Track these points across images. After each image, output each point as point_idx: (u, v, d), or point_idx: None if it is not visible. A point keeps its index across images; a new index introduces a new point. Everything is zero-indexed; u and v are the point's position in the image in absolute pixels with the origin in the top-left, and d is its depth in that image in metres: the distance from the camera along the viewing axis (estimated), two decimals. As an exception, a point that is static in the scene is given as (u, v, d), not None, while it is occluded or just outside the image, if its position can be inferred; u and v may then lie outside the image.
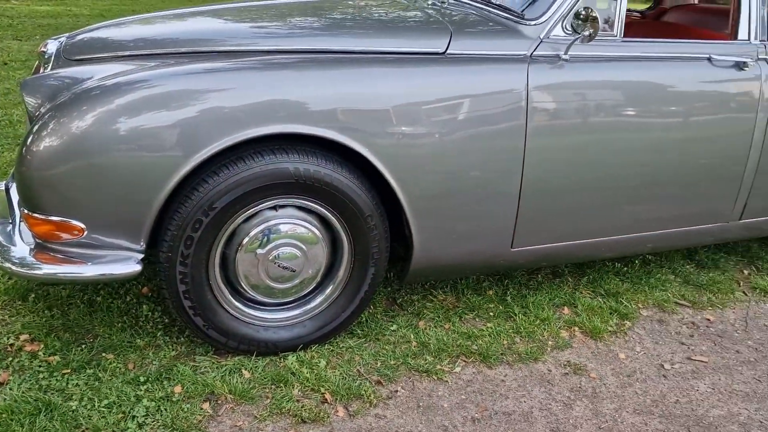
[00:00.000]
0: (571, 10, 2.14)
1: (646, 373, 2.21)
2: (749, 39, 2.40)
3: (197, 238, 1.86)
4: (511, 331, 2.37)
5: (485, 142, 2.06)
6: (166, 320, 2.27)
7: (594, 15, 2.02)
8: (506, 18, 2.22)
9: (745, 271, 3.01)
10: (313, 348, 2.16)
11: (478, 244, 2.23)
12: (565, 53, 2.11)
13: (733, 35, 2.42)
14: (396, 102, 1.95)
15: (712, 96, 2.33)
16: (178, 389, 1.93)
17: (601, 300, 2.62)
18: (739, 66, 2.34)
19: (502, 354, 2.24)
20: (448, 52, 2.06)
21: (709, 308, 2.66)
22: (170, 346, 2.13)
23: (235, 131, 1.80)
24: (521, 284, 2.69)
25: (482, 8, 2.36)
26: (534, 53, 2.11)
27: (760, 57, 2.39)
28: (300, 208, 2.01)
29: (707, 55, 2.32)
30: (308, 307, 2.13)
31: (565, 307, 2.55)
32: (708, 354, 2.35)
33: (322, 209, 2.00)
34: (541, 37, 2.13)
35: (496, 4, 2.32)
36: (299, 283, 2.08)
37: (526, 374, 2.16)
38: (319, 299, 2.14)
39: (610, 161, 2.24)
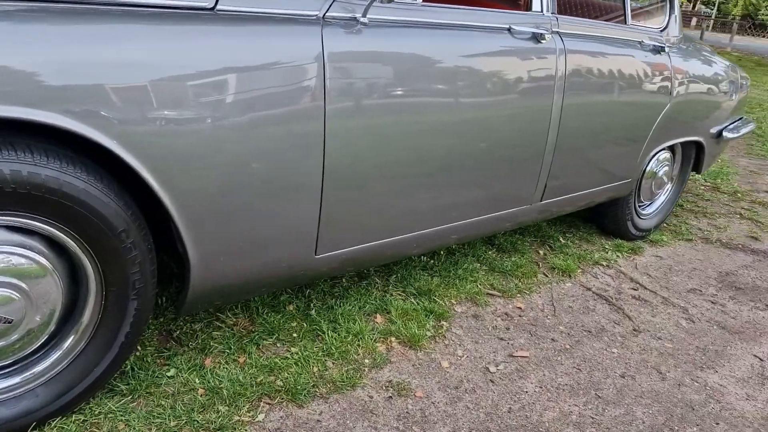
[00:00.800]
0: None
1: (473, 381, 1.97)
2: (542, 11, 2.27)
3: None
4: (320, 353, 1.97)
5: (275, 125, 1.61)
6: None
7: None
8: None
9: (541, 252, 2.99)
10: (55, 423, 1.53)
11: (275, 253, 1.77)
12: (363, 15, 1.74)
13: (526, 6, 2.27)
14: (153, 75, 1.40)
15: (513, 70, 2.15)
16: None
17: (414, 301, 2.34)
18: (537, 38, 2.20)
19: (313, 386, 1.82)
20: (218, 7, 1.56)
21: (518, 295, 2.54)
22: None
23: None
24: (325, 293, 2.30)
25: None
26: (327, 14, 1.71)
27: (553, 30, 2.28)
28: (13, 228, 1.37)
29: (507, 26, 2.13)
30: (39, 368, 1.49)
31: (378, 315, 2.22)
32: (527, 347, 2.19)
33: (50, 228, 1.39)
34: (330, -7, 1.73)
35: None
36: (22, 338, 1.44)
37: (344, 407, 1.77)
38: (55, 356, 1.51)
39: (417, 143, 1.94)
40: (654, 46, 2.73)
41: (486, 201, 2.31)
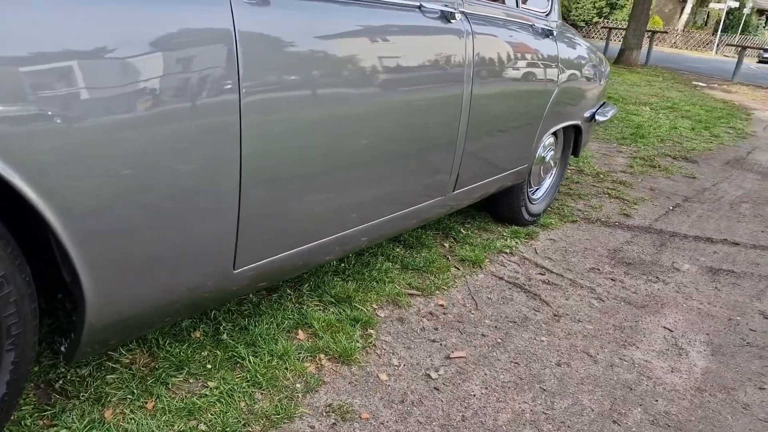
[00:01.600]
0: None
1: (417, 392, 1.79)
2: (449, -9, 2.15)
3: None
4: (244, 384, 1.67)
5: (182, 118, 1.30)
6: None
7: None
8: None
9: (446, 244, 2.89)
10: None
11: (188, 272, 1.46)
12: (269, -9, 1.49)
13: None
14: (18, 50, 1.05)
15: (427, 51, 2.00)
16: None
17: (335, 310, 2.11)
18: (447, 17, 2.06)
19: (244, 424, 1.54)
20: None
21: (437, 292, 2.41)
22: None
23: None
24: (234, 312, 2.00)
25: None
26: (233, -18, 1.43)
27: (460, 9, 2.16)
28: None
29: (418, 3, 1.97)
30: None
31: (300, 330, 1.97)
32: (461, 347, 2.06)
33: None
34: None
35: None
36: None
37: (286, 444, 1.51)
38: None
39: (335, 131, 1.71)
40: (543, 29, 2.73)
41: (405, 194, 2.13)
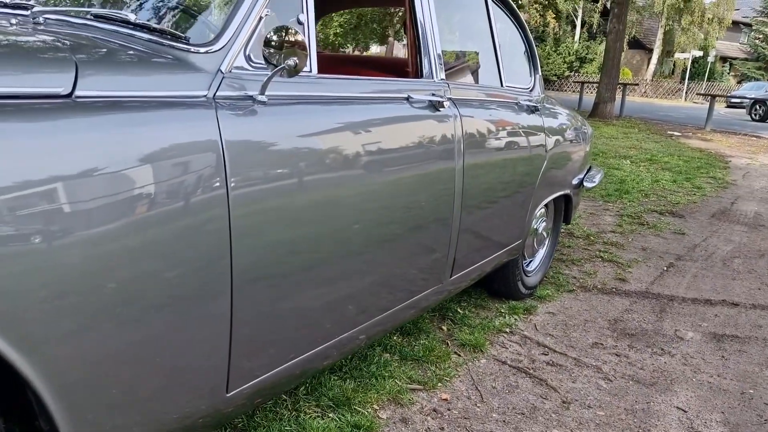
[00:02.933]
0: (254, 33, 1.49)
1: None
2: (434, 77, 2.13)
3: None
4: None
5: (167, 230, 1.22)
6: None
7: (297, 39, 1.40)
8: (164, 43, 1.42)
9: (444, 327, 2.79)
10: None
11: (176, 400, 1.35)
12: (262, 93, 1.44)
13: (416, 72, 2.12)
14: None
15: (417, 140, 1.96)
16: None
17: (334, 416, 1.98)
18: (435, 106, 2.04)
19: None
20: (77, 93, 1.16)
21: (439, 384, 2.30)
22: None
23: None
24: (227, 426, 1.87)
25: (118, 31, 1.49)
26: (218, 94, 1.38)
27: (447, 96, 2.14)
28: None
29: (406, 95, 1.95)
30: None
31: (298, 444, 1.84)
32: (470, 448, 1.94)
33: None
34: (223, 71, 1.42)
35: (138, 24, 1.48)
36: None
37: None
38: None
39: (332, 227, 1.64)
40: (528, 106, 2.73)
41: (403, 283, 2.05)
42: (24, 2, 1.66)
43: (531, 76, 2.92)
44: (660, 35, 32.11)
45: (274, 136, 1.46)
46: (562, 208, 3.46)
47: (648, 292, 3.59)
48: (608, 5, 28.35)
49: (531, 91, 2.88)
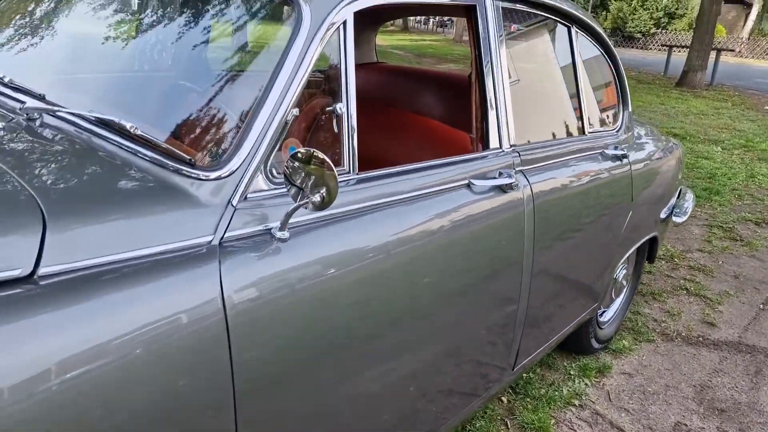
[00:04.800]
0: (278, 142, 1.21)
1: None
2: (501, 146, 1.78)
3: None
4: None
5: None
6: None
7: (325, 162, 1.11)
8: (168, 166, 1.16)
9: (504, 399, 2.50)
10: None
11: None
12: (283, 229, 1.16)
13: (482, 140, 1.77)
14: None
15: (477, 234, 1.64)
16: None
17: None
18: (503, 188, 1.70)
19: None
20: (39, 273, 0.92)
21: (495, 487, 2.03)
22: None
23: None
24: None
25: (120, 144, 1.23)
26: (227, 236, 1.11)
27: (517, 169, 1.80)
28: None
29: (466, 180, 1.62)
30: None
31: None
32: None
33: None
34: (234, 203, 1.14)
35: (136, 138, 1.21)
36: None
37: None
38: None
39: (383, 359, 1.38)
40: (615, 154, 2.32)
41: (456, 394, 1.77)
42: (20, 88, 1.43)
43: (619, 112, 2.50)
44: (761, -12, 29.38)
45: (297, 287, 1.18)
46: (646, 249, 3.05)
47: (741, 343, 3.16)
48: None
49: (618, 131, 2.46)
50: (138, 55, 1.58)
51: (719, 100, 12.25)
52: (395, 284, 1.37)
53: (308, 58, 1.27)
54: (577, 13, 2.14)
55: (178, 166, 1.15)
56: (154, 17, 1.60)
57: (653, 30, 28.18)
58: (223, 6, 1.48)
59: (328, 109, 1.36)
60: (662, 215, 3.02)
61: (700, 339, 3.17)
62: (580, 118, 2.20)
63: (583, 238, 2.17)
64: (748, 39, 28.03)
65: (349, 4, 1.36)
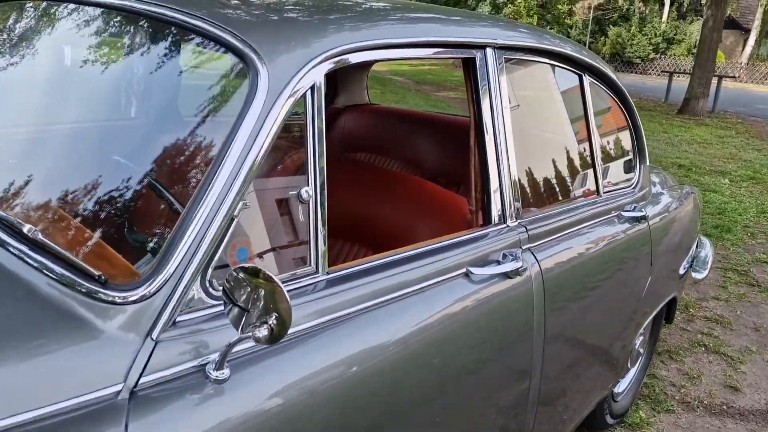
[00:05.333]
0: (223, 244, 0.93)
1: None
2: (506, 221, 1.51)
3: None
4: None
5: None
6: None
7: (275, 286, 0.83)
8: (55, 280, 0.89)
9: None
10: None
11: None
12: (220, 367, 0.88)
13: (483, 214, 1.50)
14: None
15: (478, 327, 1.36)
16: None
17: None
18: (508, 275, 1.42)
19: None
20: None
21: None
22: None
23: None
24: None
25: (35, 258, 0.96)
26: (141, 382, 0.83)
27: (524, 247, 1.52)
28: None
29: (464, 268, 1.34)
30: None
31: None
32: None
33: None
34: (155, 333, 0.87)
35: (37, 244, 0.94)
36: None
37: None
38: None
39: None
40: (633, 216, 2.05)
41: None
42: None
43: (636, 166, 2.23)
44: (759, 14, 29.43)
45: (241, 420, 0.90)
46: (664, 310, 2.77)
47: (770, 412, 2.86)
48: (702, -18, 26.41)
49: (635, 187, 2.19)
50: (40, 112, 1.31)
51: (723, 128, 12.04)
52: (374, 417, 1.09)
53: (264, 135, 1.00)
54: (588, 59, 1.88)
55: (81, 283, 0.87)
56: (70, 67, 1.33)
57: (652, 55, 28.16)
58: (160, 63, 1.21)
59: (291, 193, 1.09)
60: (681, 270, 2.74)
61: (724, 407, 2.87)
62: (595, 176, 1.93)
63: (598, 315, 1.89)
64: (747, 64, 28.02)
65: (319, 64, 1.10)
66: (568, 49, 1.79)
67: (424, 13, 1.53)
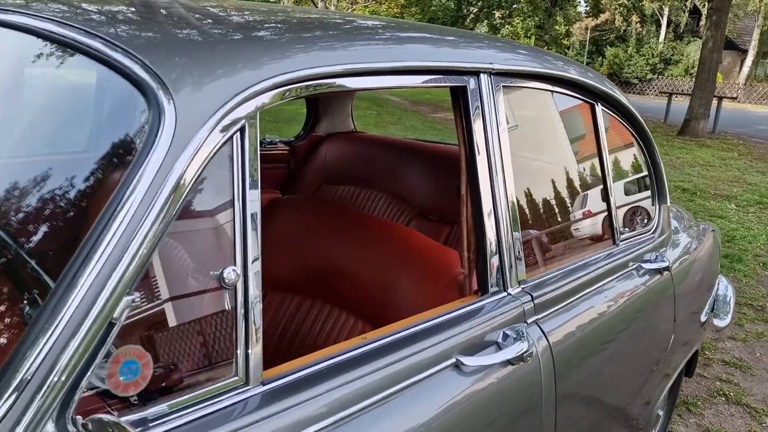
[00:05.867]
0: (92, 368, 0.63)
1: None
2: (507, 288, 1.21)
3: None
4: None
5: None
6: None
7: None
8: None
9: None
10: None
11: None
12: None
13: (478, 277, 1.20)
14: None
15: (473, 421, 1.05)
16: None
17: None
18: (511, 362, 1.11)
19: None
20: None
21: None
22: None
23: None
24: None
25: None
26: None
27: (529, 320, 1.22)
28: None
29: (453, 359, 1.04)
30: None
31: None
32: None
33: None
34: None
35: None
36: None
37: None
38: None
39: None
40: (653, 268, 1.74)
41: None
42: None
43: (655, 207, 1.93)
44: (756, 35, 29.41)
45: None
46: (685, 366, 2.46)
47: (804, 478, 2.53)
48: (698, 4, 26.40)
49: (655, 231, 1.88)
50: None
51: (724, 150, 11.80)
52: None
53: (165, 197, 0.71)
54: (601, 86, 1.60)
55: None
56: None
57: (649, 76, 28.10)
58: (31, 93, 0.92)
59: (213, 273, 0.79)
60: (703, 317, 2.44)
61: (753, 473, 2.55)
62: (610, 222, 1.64)
63: (616, 392, 1.58)
64: (744, 85, 27.96)
65: (250, 99, 0.80)
66: (578, 75, 1.51)
67: (408, 32, 1.24)
